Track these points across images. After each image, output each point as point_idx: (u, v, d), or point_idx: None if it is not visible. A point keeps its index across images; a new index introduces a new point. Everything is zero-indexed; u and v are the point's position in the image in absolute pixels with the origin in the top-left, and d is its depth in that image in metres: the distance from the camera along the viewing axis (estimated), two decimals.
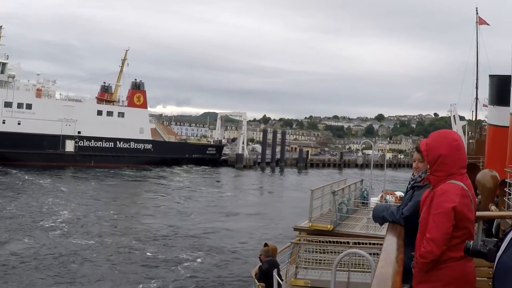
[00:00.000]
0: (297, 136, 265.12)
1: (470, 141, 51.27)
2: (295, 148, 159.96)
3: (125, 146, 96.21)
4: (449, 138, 4.14)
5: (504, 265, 2.63)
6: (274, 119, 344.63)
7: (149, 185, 66.36)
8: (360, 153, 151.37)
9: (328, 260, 16.47)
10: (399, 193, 31.97)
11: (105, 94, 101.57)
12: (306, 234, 19.75)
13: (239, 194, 61.70)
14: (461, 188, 3.95)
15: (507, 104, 25.92)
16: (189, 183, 69.73)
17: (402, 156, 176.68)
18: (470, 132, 54.99)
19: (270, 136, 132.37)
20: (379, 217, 4.32)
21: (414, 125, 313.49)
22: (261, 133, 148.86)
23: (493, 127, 32.04)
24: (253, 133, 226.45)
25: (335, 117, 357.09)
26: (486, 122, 41.66)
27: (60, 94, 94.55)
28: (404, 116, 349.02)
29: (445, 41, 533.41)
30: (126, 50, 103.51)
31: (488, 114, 36.72)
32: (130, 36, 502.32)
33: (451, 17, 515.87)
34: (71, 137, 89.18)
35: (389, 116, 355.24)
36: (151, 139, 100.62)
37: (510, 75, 26.03)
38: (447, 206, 3.83)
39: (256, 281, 14.26)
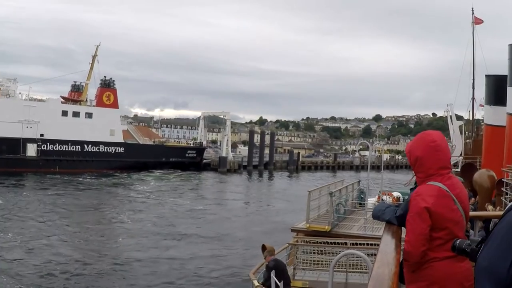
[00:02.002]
0: (292, 138, 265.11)
1: (467, 141, 51.41)
2: (288, 150, 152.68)
3: (94, 150, 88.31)
4: (427, 140, 4.12)
5: (478, 265, 2.65)
6: (270, 121, 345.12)
7: (115, 194, 58.22)
8: (357, 154, 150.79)
9: (325, 261, 16.51)
10: (397, 194, 32.02)
11: (76, 94, 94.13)
12: (304, 235, 19.72)
13: (208, 206, 51.88)
14: (438, 188, 3.95)
15: (504, 104, 26.11)
16: (153, 192, 60.96)
17: (400, 157, 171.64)
18: (467, 132, 55.08)
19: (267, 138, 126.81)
20: (377, 216, 4.36)
21: (412, 125, 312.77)
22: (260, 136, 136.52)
23: (490, 127, 32.27)
24: (247, 135, 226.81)
25: (332, 118, 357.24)
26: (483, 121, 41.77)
27: (20, 93, 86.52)
28: (402, 116, 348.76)
29: (443, 41, 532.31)
30: (97, 46, 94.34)
31: (485, 114, 36.92)
32: (128, 40, 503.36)
33: (449, 17, 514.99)
34: (32, 140, 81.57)
35: (386, 117, 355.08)
36: (123, 141, 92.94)
37: (507, 75, 26.09)
38: (419, 207, 3.87)
39: (254, 282, 14.26)
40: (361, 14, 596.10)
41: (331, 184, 27.20)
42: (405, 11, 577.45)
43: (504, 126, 26.05)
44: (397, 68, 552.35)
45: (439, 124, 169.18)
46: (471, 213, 4.49)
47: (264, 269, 14.51)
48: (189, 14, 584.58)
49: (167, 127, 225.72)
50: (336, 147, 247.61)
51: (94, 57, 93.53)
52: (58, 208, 45.26)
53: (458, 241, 3.28)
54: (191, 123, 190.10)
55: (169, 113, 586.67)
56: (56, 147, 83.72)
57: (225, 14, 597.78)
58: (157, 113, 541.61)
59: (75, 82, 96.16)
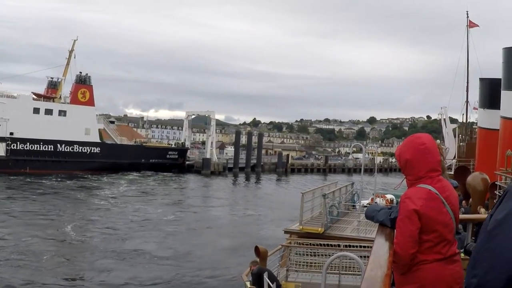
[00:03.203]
0: (285, 140, 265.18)
1: (461, 144, 51.55)
2: (281, 152, 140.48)
3: (68, 150, 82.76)
4: (416, 142, 4.12)
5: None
6: (264, 123, 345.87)
7: (74, 200, 52.39)
8: (350, 156, 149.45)
9: (318, 263, 16.57)
10: (390, 196, 31.98)
11: (52, 91, 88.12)
12: (297, 237, 19.72)
13: (179, 214, 45.85)
14: (427, 191, 3.95)
15: (498, 107, 26.19)
16: (120, 197, 55.24)
17: (393, 160, 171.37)
18: (460, 135, 55.20)
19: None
20: (371, 216, 4.37)
21: (406, 128, 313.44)
22: (247, 136, 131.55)
23: (483, 130, 32.35)
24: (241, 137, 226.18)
25: (326, 120, 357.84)
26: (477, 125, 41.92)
27: None
28: (397, 118, 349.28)
29: (439, 44, 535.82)
30: (74, 40, 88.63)
31: (479, 117, 36.98)
32: (125, 40, 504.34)
33: (444, 20, 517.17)
34: (1, 139, 76.64)
35: (381, 119, 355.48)
36: (99, 141, 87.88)
37: (501, 79, 26.15)
38: (408, 210, 3.87)
39: (247, 283, 14.25)
40: (358, 16, 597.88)
41: (324, 186, 27.21)
42: (402, 14, 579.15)
43: (498, 130, 26.18)
44: (392, 71, 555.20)
45: (434, 126, 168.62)
46: (465, 216, 4.49)
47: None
48: (186, 16, 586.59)
49: (158, 127, 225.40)
50: (329, 149, 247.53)
51: (70, 52, 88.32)
52: (5, 215, 40.48)
53: (472, 246, 3.29)
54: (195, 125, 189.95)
55: (164, 114, 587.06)
56: (26, 147, 78.72)
57: (222, 15, 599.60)
58: (151, 113, 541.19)
59: (52, 78, 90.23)
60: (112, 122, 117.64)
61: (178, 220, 42.97)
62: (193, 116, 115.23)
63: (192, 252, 30.91)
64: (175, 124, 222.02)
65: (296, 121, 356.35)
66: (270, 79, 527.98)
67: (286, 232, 20.99)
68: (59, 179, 69.53)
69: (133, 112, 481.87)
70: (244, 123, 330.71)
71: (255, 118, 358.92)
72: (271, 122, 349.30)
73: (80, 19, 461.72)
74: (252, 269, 14.30)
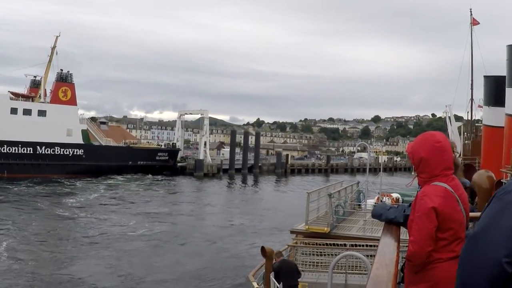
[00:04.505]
0: (288, 139, 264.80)
1: (466, 142, 51.44)
2: (281, 152, 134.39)
3: (48, 152, 77.93)
4: (431, 140, 4.08)
5: None
6: (267, 123, 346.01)
7: (32, 209, 46.02)
8: (356, 155, 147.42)
9: (325, 263, 16.54)
10: (396, 195, 31.94)
11: (35, 90, 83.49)
12: (303, 237, 19.72)
13: (152, 226, 39.58)
14: (444, 189, 3.95)
15: (502, 105, 26.15)
16: (89, 206, 49.38)
17: (398, 159, 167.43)
18: (466, 133, 55.05)
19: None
20: (379, 214, 4.35)
21: (411, 126, 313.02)
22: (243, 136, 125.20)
23: (488, 128, 32.31)
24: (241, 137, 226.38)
25: (330, 120, 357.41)
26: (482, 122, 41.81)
27: None
28: (401, 117, 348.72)
29: (443, 41, 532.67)
30: (57, 36, 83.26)
31: (484, 115, 36.90)
32: (127, 42, 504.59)
33: (448, 18, 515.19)
34: None
35: (385, 118, 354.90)
36: (82, 143, 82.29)
37: (505, 76, 26.12)
38: (427, 207, 3.86)
39: (254, 284, 14.26)
40: (361, 15, 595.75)
41: (330, 186, 27.18)
42: (405, 12, 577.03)
43: (503, 127, 26.11)
44: (396, 69, 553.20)
45: (439, 124, 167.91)
46: (471, 214, 4.50)
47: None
48: (188, 17, 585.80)
49: (159, 128, 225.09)
50: (333, 149, 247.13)
51: (53, 49, 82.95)
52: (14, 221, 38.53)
53: None
54: (191, 125, 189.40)
55: (168, 115, 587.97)
56: (4, 149, 74.21)
57: (223, 16, 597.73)
58: (156, 115, 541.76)
59: (35, 77, 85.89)
60: (104, 123, 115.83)
61: (147, 234, 36.33)
62: (185, 115, 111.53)
63: (145, 279, 25.24)
64: (185, 125, 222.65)
65: (300, 120, 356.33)
66: (274, 79, 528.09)
67: (292, 232, 20.98)
68: (30, 184, 64.43)
69: (138, 114, 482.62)
70: (248, 123, 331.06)
71: (258, 118, 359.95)
72: (274, 122, 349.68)
73: (81, 22, 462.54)
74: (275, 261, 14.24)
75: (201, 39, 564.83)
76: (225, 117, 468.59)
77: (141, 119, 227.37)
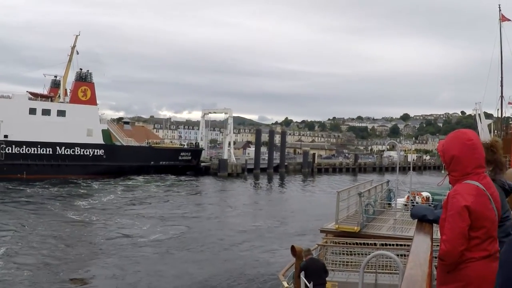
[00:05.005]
0: (316, 138, 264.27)
1: None
2: (308, 151, 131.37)
3: (68, 153, 76.76)
4: (462, 138, 4.07)
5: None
6: (296, 121, 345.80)
7: (52, 210, 45.43)
8: (385, 154, 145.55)
9: (355, 262, 16.51)
10: (426, 194, 31.67)
11: (57, 90, 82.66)
12: (333, 236, 19.70)
13: (157, 233, 36.19)
14: (475, 187, 3.93)
15: None
16: (99, 208, 47.56)
17: (428, 157, 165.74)
18: (496, 131, 54.50)
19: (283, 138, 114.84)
20: (422, 215, 4.32)
21: (440, 124, 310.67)
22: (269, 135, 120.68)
23: None
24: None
25: (359, 118, 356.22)
26: None
27: None
28: (431, 115, 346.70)
29: (472, 38, 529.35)
30: (76, 36, 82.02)
31: None
32: (154, 43, 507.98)
33: (476, 14, 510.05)
34: None
35: (414, 116, 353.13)
36: (103, 143, 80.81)
37: None
38: (459, 206, 3.84)
39: (284, 283, 14.28)
40: (387, 12, 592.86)
41: (360, 185, 27.09)
42: (433, 9, 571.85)
43: None
44: (425, 67, 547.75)
45: (468, 122, 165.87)
46: None
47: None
48: (214, 16, 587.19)
49: (186, 128, 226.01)
50: (362, 147, 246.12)
51: (73, 48, 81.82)
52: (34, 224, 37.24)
53: None
54: (218, 125, 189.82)
55: (196, 115, 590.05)
56: (23, 150, 73.26)
57: (250, 14, 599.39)
58: (185, 115, 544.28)
59: (55, 77, 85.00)
60: (127, 123, 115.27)
61: (158, 240, 33.94)
62: (209, 115, 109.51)
63: None
64: (213, 125, 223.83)
65: (329, 119, 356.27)
66: (302, 77, 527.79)
67: (322, 231, 20.98)
68: (46, 186, 62.87)
69: (167, 114, 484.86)
70: (276, 123, 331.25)
71: (287, 117, 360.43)
72: (303, 121, 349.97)
73: (108, 23, 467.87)
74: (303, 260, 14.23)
75: (227, 38, 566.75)
76: (253, 117, 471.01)
77: (168, 119, 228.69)
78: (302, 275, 13.11)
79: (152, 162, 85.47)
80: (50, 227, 36.89)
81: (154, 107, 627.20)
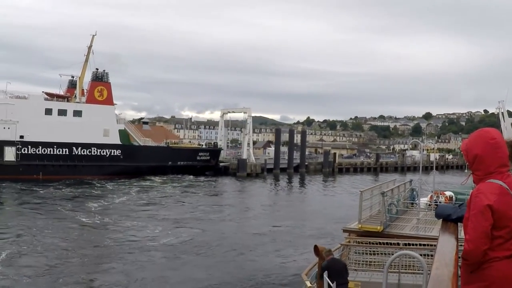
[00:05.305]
0: (337, 138, 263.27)
1: None
2: (329, 151, 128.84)
3: (85, 153, 76.27)
4: (485, 137, 4.00)
5: None
6: (317, 121, 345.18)
7: (62, 211, 44.46)
8: (408, 153, 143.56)
9: (378, 262, 16.44)
10: (449, 193, 31.47)
11: (74, 91, 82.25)
12: (356, 236, 19.63)
13: (170, 237, 34.61)
14: (498, 186, 3.90)
15: None
16: (111, 209, 46.89)
17: (450, 156, 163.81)
18: None
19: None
20: (447, 214, 4.30)
21: (463, 123, 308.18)
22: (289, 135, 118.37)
23: None
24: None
25: (381, 117, 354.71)
26: None
27: None
28: (453, 114, 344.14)
29: (495, 36, 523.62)
30: (93, 35, 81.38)
31: None
32: (176, 43, 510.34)
33: (501, 12, 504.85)
34: (11, 143, 71.08)
35: (437, 114, 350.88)
36: (120, 143, 79.93)
37: None
38: (482, 205, 3.82)
39: (307, 283, 14.29)
40: (409, 10, 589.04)
41: (382, 184, 26.96)
42: (456, 7, 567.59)
43: None
44: (447, 65, 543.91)
45: (491, 121, 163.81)
46: None
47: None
48: (237, 16, 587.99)
49: (207, 128, 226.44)
50: (384, 147, 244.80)
51: (89, 48, 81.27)
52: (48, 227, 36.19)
53: None
54: (239, 125, 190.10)
55: (218, 115, 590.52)
56: (39, 151, 72.82)
57: (272, 14, 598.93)
58: (207, 115, 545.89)
59: (72, 77, 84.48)
60: (146, 123, 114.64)
61: (168, 244, 32.53)
62: (228, 114, 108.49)
63: None
64: (235, 125, 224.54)
65: (351, 118, 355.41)
66: (324, 77, 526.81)
67: (345, 231, 20.92)
68: (59, 186, 62.32)
69: (189, 114, 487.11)
70: (298, 122, 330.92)
71: (308, 117, 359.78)
72: (324, 121, 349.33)
73: (131, 24, 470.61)
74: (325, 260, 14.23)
75: (250, 38, 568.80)
76: (275, 116, 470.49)
77: (189, 119, 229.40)
78: (325, 275, 13.11)
79: (170, 163, 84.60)
80: (58, 230, 35.91)
81: (176, 107, 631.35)
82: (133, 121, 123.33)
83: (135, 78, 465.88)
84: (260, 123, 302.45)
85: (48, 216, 41.77)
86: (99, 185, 66.02)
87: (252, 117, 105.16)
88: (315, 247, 14.83)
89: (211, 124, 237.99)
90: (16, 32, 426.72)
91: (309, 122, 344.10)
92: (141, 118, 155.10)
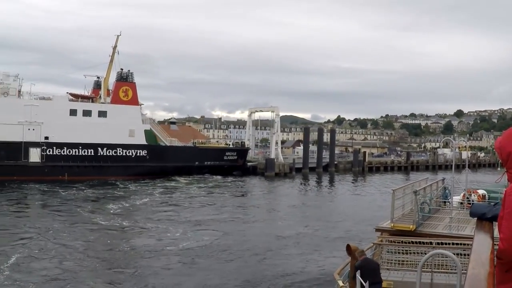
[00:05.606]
0: (368, 136, 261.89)
1: None
2: (359, 149, 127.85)
3: (110, 154, 75.89)
4: None
5: None
6: (348, 120, 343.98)
7: (81, 213, 43.46)
8: (441, 151, 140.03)
9: (410, 261, 16.37)
10: (482, 192, 31.11)
11: (99, 91, 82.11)
12: (388, 235, 19.55)
13: (188, 241, 33.20)
14: None
15: None
16: (130, 212, 45.69)
17: (482, 154, 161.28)
18: None
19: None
20: (482, 213, 4.26)
21: (495, 120, 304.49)
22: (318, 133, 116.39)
23: None
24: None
25: (412, 115, 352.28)
26: None
27: (18, 90, 73.93)
28: (485, 111, 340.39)
29: None
30: (118, 36, 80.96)
31: None
32: (206, 44, 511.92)
33: None
34: (36, 144, 70.90)
35: (468, 112, 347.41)
36: (146, 143, 79.24)
37: None
38: None
39: (339, 282, 14.29)
40: (440, 6, 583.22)
41: (415, 183, 26.77)
42: (487, 2, 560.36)
43: None
44: (478, 61, 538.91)
45: None
46: None
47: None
48: (267, 15, 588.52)
49: (236, 127, 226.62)
50: (415, 145, 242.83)
51: (114, 48, 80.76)
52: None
53: None
54: (269, 124, 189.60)
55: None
56: (64, 152, 72.71)
57: (302, 13, 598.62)
58: (238, 115, 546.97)
59: (98, 78, 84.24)
60: (173, 123, 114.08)
61: (187, 248, 31.26)
62: (256, 113, 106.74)
63: None
64: (266, 124, 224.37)
65: (381, 117, 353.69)
66: (355, 75, 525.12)
67: (377, 230, 20.84)
68: (82, 187, 61.98)
69: (220, 114, 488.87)
70: (329, 121, 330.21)
71: (339, 116, 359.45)
72: (355, 119, 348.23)
73: (160, 26, 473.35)
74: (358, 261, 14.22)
75: (280, 37, 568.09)
76: (306, 115, 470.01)
77: (219, 119, 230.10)
78: (357, 274, 13.10)
79: (196, 163, 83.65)
80: (73, 233, 35.05)
81: (207, 107, 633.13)
82: (163, 122, 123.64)
83: (166, 79, 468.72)
84: (291, 122, 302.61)
85: (66, 218, 41.14)
86: (122, 186, 65.55)
87: (283, 116, 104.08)
88: (348, 246, 14.82)
89: (241, 124, 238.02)
90: (46, 35, 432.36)
91: (339, 120, 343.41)
92: (170, 119, 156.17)
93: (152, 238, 34.20)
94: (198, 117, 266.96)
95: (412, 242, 17.06)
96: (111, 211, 44.88)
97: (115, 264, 27.16)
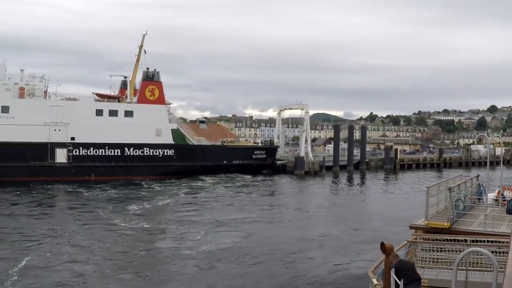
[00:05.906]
0: (400, 133, 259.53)
1: None
2: (390, 147, 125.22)
3: (137, 154, 75.40)
4: None
5: None
6: (381, 116, 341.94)
7: (101, 214, 42.81)
8: (475, 148, 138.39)
9: (445, 259, 16.23)
10: None
11: (125, 91, 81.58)
12: (422, 232, 19.40)
13: (209, 244, 31.71)
14: None
15: None
16: (152, 213, 44.74)
17: None
18: None
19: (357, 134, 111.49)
20: None
21: None
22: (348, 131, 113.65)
23: None
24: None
25: (445, 111, 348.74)
26: None
27: (45, 91, 74.06)
28: None
29: None
30: (144, 35, 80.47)
31: None
32: (238, 43, 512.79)
33: None
34: (62, 145, 70.93)
35: (502, 107, 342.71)
36: (173, 143, 78.49)
37: None
38: None
39: (373, 280, 14.27)
40: (474, 1, 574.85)
41: (449, 179, 26.59)
42: None
43: None
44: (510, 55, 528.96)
45: None
46: None
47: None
48: (299, 13, 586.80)
49: (268, 126, 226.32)
50: (448, 141, 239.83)
51: (140, 48, 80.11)
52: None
53: None
54: (300, 122, 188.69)
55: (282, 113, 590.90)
56: (90, 152, 72.50)
57: (334, 10, 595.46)
58: (270, 113, 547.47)
59: (125, 77, 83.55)
60: (202, 122, 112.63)
61: (207, 251, 29.87)
62: (288, 111, 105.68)
63: None
64: (297, 122, 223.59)
65: (414, 113, 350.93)
66: (387, 72, 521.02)
67: (411, 227, 20.72)
68: (106, 187, 61.66)
69: (252, 112, 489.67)
70: (361, 118, 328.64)
71: (371, 113, 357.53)
72: (388, 116, 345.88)
73: (191, 25, 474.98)
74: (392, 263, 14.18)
75: (314, 35, 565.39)
76: (339, 113, 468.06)
77: (250, 117, 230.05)
78: (392, 272, 13.07)
79: (224, 162, 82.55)
80: (90, 234, 34.16)
81: (240, 106, 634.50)
82: (195, 121, 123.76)
83: (198, 78, 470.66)
84: (323, 119, 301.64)
85: (85, 219, 40.41)
86: (146, 186, 64.81)
87: (315, 114, 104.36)
88: (382, 244, 14.78)
89: (272, 122, 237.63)
90: (76, 37, 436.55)
91: (372, 118, 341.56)
92: (202, 118, 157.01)
93: (171, 240, 33.34)
94: (230, 116, 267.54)
95: (447, 240, 16.92)
96: (131, 212, 44.20)
97: (128, 268, 26.19)
